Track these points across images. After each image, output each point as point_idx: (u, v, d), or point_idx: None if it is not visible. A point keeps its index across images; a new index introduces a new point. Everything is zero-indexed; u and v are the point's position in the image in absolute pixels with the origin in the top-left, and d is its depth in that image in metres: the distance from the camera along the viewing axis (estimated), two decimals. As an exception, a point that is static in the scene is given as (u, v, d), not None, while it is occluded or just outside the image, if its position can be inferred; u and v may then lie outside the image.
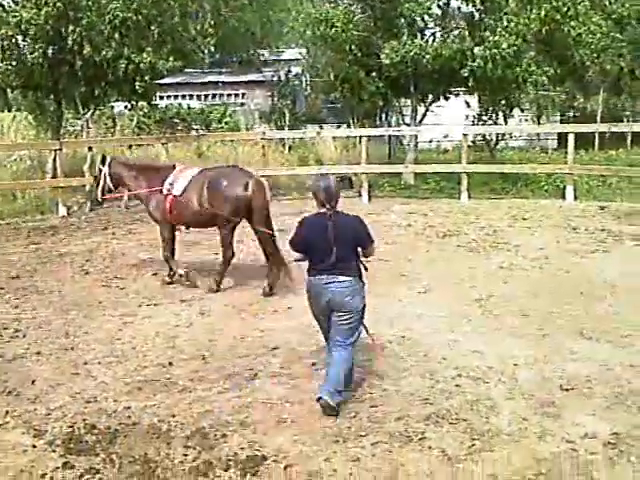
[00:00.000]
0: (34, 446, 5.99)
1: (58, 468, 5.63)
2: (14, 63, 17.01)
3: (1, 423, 6.42)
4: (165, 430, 6.22)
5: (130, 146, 18.53)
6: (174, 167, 10.89)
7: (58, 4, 16.28)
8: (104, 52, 16.88)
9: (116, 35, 16.96)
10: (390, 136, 23.08)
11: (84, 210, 17.13)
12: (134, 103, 19.97)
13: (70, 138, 21.01)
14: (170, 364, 7.67)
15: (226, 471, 5.55)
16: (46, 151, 19.18)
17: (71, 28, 16.60)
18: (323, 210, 6.55)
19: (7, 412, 6.61)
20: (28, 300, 10.16)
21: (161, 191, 10.55)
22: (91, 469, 5.61)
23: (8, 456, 5.83)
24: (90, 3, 16.71)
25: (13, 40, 16.86)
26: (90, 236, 14.49)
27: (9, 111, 27.85)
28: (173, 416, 6.46)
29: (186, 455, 5.79)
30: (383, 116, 24.22)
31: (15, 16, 16.52)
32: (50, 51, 16.70)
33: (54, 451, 5.90)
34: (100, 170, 11.11)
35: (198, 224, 10.79)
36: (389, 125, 23.58)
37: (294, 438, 6.01)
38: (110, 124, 24.74)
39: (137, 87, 17.66)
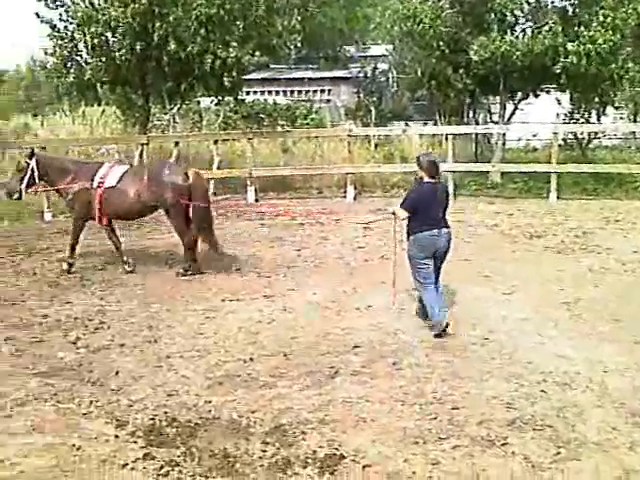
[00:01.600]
0: (116, 436, 6.06)
1: (139, 459, 5.68)
2: (103, 59, 17.36)
3: (85, 412, 6.52)
4: (245, 425, 6.21)
5: (216, 141, 18.65)
6: (101, 164, 11.71)
7: (144, 1, 16.57)
8: (190, 47, 17.08)
9: (202, 30, 17.14)
10: (477, 134, 22.68)
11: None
12: (221, 98, 20.16)
13: (157, 132, 21.35)
14: (251, 360, 7.67)
15: (304, 469, 5.50)
16: (133, 145, 19.54)
17: (157, 24, 16.88)
18: (430, 180, 8.39)
19: (91, 402, 6.72)
20: (113, 292, 10.32)
21: (91, 185, 11.13)
22: (171, 461, 5.64)
23: (91, 445, 5.91)
24: (176, -1, 16.95)
25: (102, 37, 17.22)
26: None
27: (98, 105, 28.50)
28: (253, 412, 6.45)
29: (265, 451, 5.77)
30: (470, 114, 23.82)
31: (104, 14, 16.89)
32: (137, 47, 16.97)
33: (135, 442, 5.96)
34: (27, 164, 11.31)
35: (129, 215, 11.69)
36: (476, 123, 23.17)
37: (373, 438, 5.93)
38: (196, 119, 24.99)
39: (224, 82, 17.80)
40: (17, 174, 11.42)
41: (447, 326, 8.19)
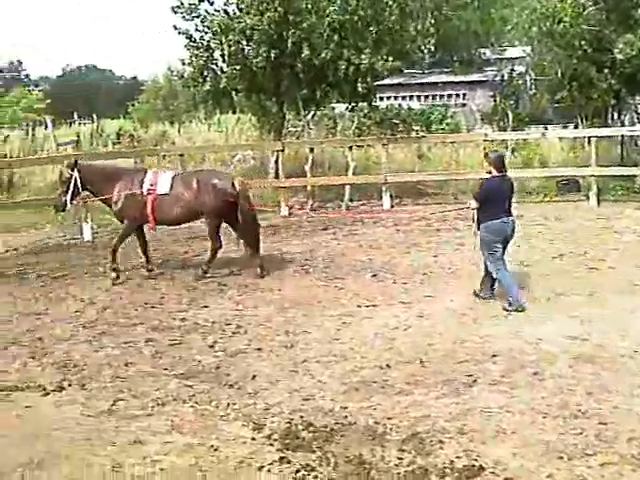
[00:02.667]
0: (253, 439, 6.09)
1: (275, 462, 5.68)
2: (239, 67, 17.68)
3: (223, 415, 6.59)
4: (381, 432, 6.12)
5: (351, 147, 18.66)
6: (145, 171, 11.90)
7: (280, 9, 16.82)
8: (323, 54, 17.17)
9: (335, 37, 17.23)
10: (623, 136, 21.73)
11: (305, 209, 17.48)
12: (355, 104, 20.18)
13: (291, 139, 21.61)
14: (388, 366, 7.56)
15: (442, 479, 5.36)
16: (269, 151, 19.81)
17: (292, 32, 17.06)
18: (498, 174, 9.47)
19: (228, 404, 6.79)
20: (250, 297, 10.43)
21: (141, 193, 11.33)
22: (307, 465, 5.61)
23: (229, 446, 5.97)
24: (310, 6, 17.08)
25: (238, 46, 17.55)
26: (311, 235, 14.73)
27: (233, 113, 29.17)
28: (389, 419, 6.35)
29: (401, 459, 5.65)
30: (615, 115, 22.88)
31: (240, 22, 17.22)
32: (272, 55, 17.21)
33: (272, 445, 5.97)
34: (70, 175, 11.33)
35: (177, 221, 11.89)
36: (622, 124, 22.23)
37: (514, 450, 5.71)
38: (331, 125, 25.16)
39: (357, 88, 17.80)
40: (61, 185, 11.54)
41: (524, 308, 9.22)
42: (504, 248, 9.62)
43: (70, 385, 7.35)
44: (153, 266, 11.93)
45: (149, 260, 11.90)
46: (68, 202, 11.49)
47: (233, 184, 11.50)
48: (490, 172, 9.56)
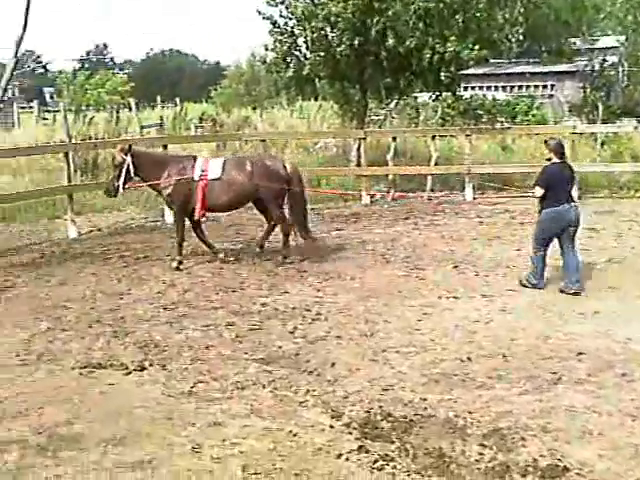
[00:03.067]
0: (331, 426, 6.07)
1: (354, 450, 5.64)
2: (322, 54, 17.63)
3: (301, 401, 6.58)
4: (461, 426, 6.02)
5: (433, 137, 18.40)
6: (195, 157, 11.75)
7: (364, -4, 16.68)
8: (408, 42, 16.98)
9: (420, 25, 17.00)
10: None
11: (386, 199, 17.38)
12: (438, 94, 19.94)
13: (374, 127, 21.46)
14: (469, 359, 7.44)
15: (524, 477, 5.25)
16: (350, 139, 19.75)
17: (376, 19, 16.92)
18: (559, 160, 9.78)
19: (307, 391, 6.78)
20: (330, 285, 10.38)
21: (192, 179, 11.25)
22: (386, 456, 5.56)
23: (307, 432, 5.96)
24: (395, -7, 16.91)
25: (322, 32, 17.50)
26: (392, 225, 14.60)
27: (315, 100, 29.18)
28: (470, 412, 6.24)
29: (482, 454, 5.56)
30: None
31: (324, 9, 17.16)
32: (356, 42, 17.10)
33: (350, 433, 5.94)
34: (123, 160, 11.18)
35: (230, 206, 11.93)
36: None
37: (600, 452, 5.54)
38: (413, 114, 24.89)
39: (442, 77, 17.58)
40: (114, 169, 11.44)
41: (580, 292, 9.61)
42: (573, 236, 9.78)
43: (151, 365, 7.45)
44: (220, 251, 11.90)
45: (212, 246, 11.87)
46: (120, 187, 11.34)
47: (285, 166, 11.69)
48: (550, 159, 9.90)
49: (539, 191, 9.69)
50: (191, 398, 6.66)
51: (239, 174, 11.34)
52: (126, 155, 11.17)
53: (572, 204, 9.71)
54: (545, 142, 10.27)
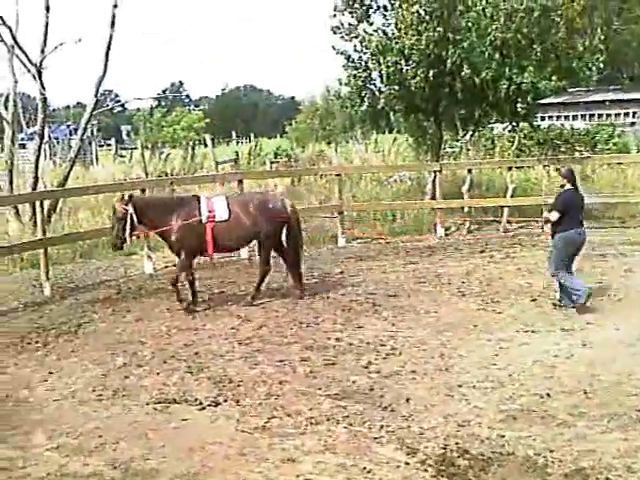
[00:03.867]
0: (407, 463, 5.98)
1: (430, 488, 5.51)
2: (397, 87, 17.63)
3: (376, 437, 6.50)
4: (541, 465, 5.87)
5: (510, 168, 18.17)
6: (198, 198, 11.49)
7: (439, 29, 16.66)
8: (484, 73, 16.85)
9: (496, 55, 16.83)
10: None
11: (462, 232, 17.20)
12: (515, 124, 19.71)
13: (449, 160, 21.30)
14: (548, 395, 7.24)
15: (608, 519, 5.03)
16: (425, 172, 19.64)
17: (451, 51, 16.86)
18: (571, 187, 10.48)
19: (382, 426, 6.69)
20: (404, 319, 10.28)
21: (200, 221, 11.04)
22: (463, 495, 5.42)
23: (382, 469, 5.88)
24: (470, 25, 16.81)
25: (397, 66, 17.51)
26: (467, 258, 14.39)
27: (390, 133, 29.18)
28: (550, 451, 6.07)
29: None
30: None
31: (398, 42, 17.18)
32: (431, 74, 17.04)
33: (426, 470, 5.85)
34: (125, 211, 10.78)
35: (236, 247, 12.20)
36: None
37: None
38: (489, 146, 24.69)
39: (518, 108, 17.35)
40: (117, 222, 10.87)
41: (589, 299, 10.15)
42: (574, 257, 10.56)
43: (225, 400, 7.46)
44: (195, 304, 11.33)
45: (180, 297, 11.24)
46: (127, 239, 10.96)
47: (285, 205, 11.66)
48: (563, 186, 10.65)
49: (555, 215, 10.34)
50: (265, 434, 6.64)
51: (244, 215, 11.23)
52: (127, 205, 10.82)
53: (583, 229, 10.49)
54: (557, 170, 11.29)
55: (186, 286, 11.38)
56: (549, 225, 10.64)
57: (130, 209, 10.78)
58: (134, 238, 11.34)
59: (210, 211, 11.08)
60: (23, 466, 6.17)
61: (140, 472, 5.97)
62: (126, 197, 10.95)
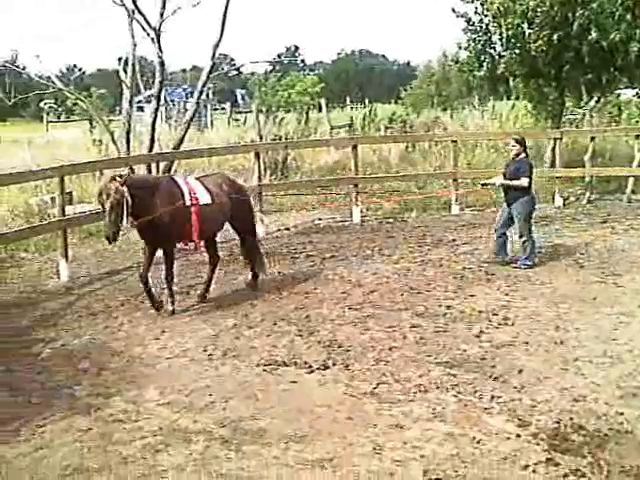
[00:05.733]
0: (518, 435, 5.83)
1: (541, 462, 5.40)
2: (518, 52, 17.16)
3: (486, 407, 6.36)
4: (662, 444, 5.57)
5: (637, 136, 17.29)
6: (173, 179, 10.15)
7: (565, -11, 16.06)
8: (613, 35, 16.12)
9: (627, 16, 16.07)
10: None
11: (581, 202, 16.61)
12: (645, 90, 18.86)
13: (570, 127, 20.57)
14: (671, 373, 6.90)
15: None
16: (544, 140, 19.03)
17: (578, 12, 16.20)
18: (525, 154, 11.36)
19: (492, 397, 6.55)
20: (518, 289, 10.01)
21: (184, 204, 9.54)
22: (577, 471, 5.28)
23: (492, 440, 5.76)
24: (601, -16, 16.13)
25: (518, 29, 16.99)
26: (586, 229, 13.87)
27: (508, 99, 28.44)
28: (673, 431, 5.76)
29: (685, 479, 5.10)
30: None
31: (521, 4, 16.64)
32: (555, 38, 16.47)
33: (538, 444, 5.69)
34: (122, 193, 8.81)
35: (215, 233, 10.45)
36: None
37: None
38: (615, 113, 23.66)
39: (651, 72, 16.58)
40: (112, 207, 8.77)
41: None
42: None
43: (334, 364, 7.45)
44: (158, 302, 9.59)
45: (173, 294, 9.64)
46: (125, 224, 9.05)
47: (244, 185, 11.44)
48: (518, 154, 11.29)
49: (526, 181, 11.05)
50: (373, 399, 6.60)
51: (222, 196, 10.04)
52: (122, 186, 8.89)
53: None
54: (515, 139, 11.47)
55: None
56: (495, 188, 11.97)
57: (125, 191, 8.88)
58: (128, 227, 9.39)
59: (192, 193, 9.68)
60: (136, 419, 6.33)
61: (249, 431, 6.02)
62: (120, 177, 9.09)
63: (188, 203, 9.56)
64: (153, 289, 9.51)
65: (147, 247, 9.62)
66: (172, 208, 9.32)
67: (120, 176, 9.13)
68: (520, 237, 11.21)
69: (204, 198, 9.75)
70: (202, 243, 10.19)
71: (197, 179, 10.21)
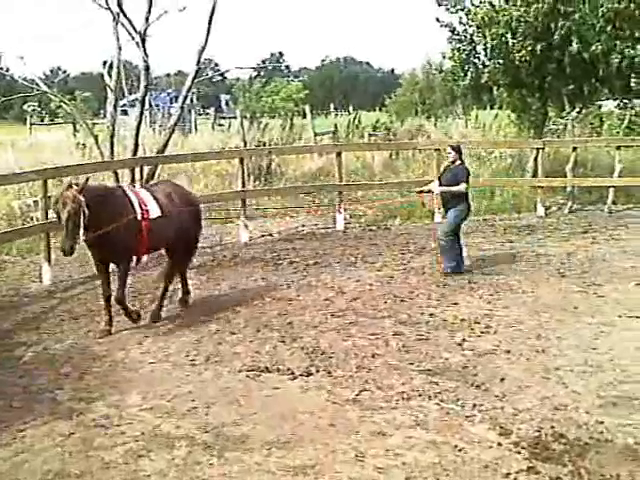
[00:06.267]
0: (499, 444, 5.84)
1: (523, 471, 5.42)
2: (502, 61, 17.28)
3: (468, 415, 6.38)
4: (641, 454, 5.61)
5: (619, 147, 17.45)
6: (121, 188, 9.47)
7: (548, 0, 16.12)
8: (594, 47, 16.26)
9: (608, 28, 16.24)
10: None
11: (563, 211, 16.72)
12: (626, 101, 18.99)
13: (552, 137, 20.73)
14: (650, 382, 6.96)
15: None
16: (527, 150, 19.16)
17: (560, 23, 16.35)
18: (461, 161, 11.39)
19: (474, 405, 6.57)
20: (500, 298, 10.04)
21: (135, 217, 8.83)
22: (557, 479, 5.31)
23: (474, 448, 5.77)
24: (582, -4, 16.29)
25: (502, 39, 17.11)
26: (568, 238, 13.96)
27: (491, 109, 28.60)
28: (651, 440, 5.80)
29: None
30: None
31: (505, 15, 16.76)
32: (538, 48, 16.59)
33: (519, 452, 5.70)
34: (79, 204, 8.12)
35: (162, 247, 9.77)
36: None
37: None
38: (596, 124, 23.86)
39: (631, 83, 16.70)
40: (69, 218, 8.10)
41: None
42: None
43: (317, 371, 7.45)
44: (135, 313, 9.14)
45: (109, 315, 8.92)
46: (81, 237, 8.24)
47: (195, 196, 10.77)
48: (454, 161, 11.34)
49: (464, 186, 11.12)
50: (355, 406, 6.61)
51: (172, 208, 9.34)
52: (80, 194, 8.18)
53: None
54: (451, 147, 11.54)
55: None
56: (434, 195, 11.85)
57: (83, 204, 8.14)
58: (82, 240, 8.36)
59: (143, 205, 8.94)
60: (118, 424, 6.31)
61: (231, 437, 6.02)
62: (77, 185, 8.35)
63: (139, 216, 8.82)
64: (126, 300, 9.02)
65: (99, 265, 8.87)
66: (124, 221, 8.57)
67: (77, 184, 8.36)
68: (441, 238, 11.34)
69: (154, 211, 9.01)
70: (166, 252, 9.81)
71: (146, 189, 9.55)
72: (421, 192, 12.26)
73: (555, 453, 5.67)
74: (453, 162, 11.38)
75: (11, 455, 5.80)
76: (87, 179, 8.51)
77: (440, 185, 11.41)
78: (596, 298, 9.94)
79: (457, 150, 11.40)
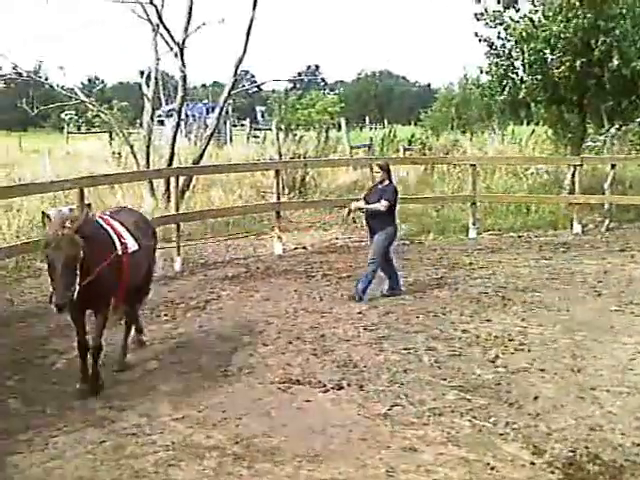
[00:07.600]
0: (532, 463, 5.77)
1: (556, 492, 5.30)
2: (540, 77, 17.12)
3: (501, 433, 6.31)
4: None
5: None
6: (96, 221, 7.69)
7: (589, 15, 16.01)
8: (635, 63, 16.08)
9: (650, 45, 16.06)
10: None
11: (600, 229, 16.52)
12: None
13: (590, 154, 20.55)
14: (689, 404, 6.82)
15: None
16: (564, 166, 18.98)
17: (601, 39, 16.18)
18: (390, 181, 10.86)
19: (507, 423, 6.49)
20: (535, 315, 9.93)
21: (117, 253, 7.44)
22: (591, 501, 5.20)
23: (506, 467, 5.70)
24: (624, 12, 16.07)
25: (541, 54, 16.99)
26: (605, 256, 13.77)
27: (528, 125, 28.41)
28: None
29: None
30: None
31: (544, 30, 16.63)
32: (577, 64, 16.43)
33: (552, 472, 5.62)
34: (78, 247, 6.66)
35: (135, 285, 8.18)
36: None
37: None
38: (636, 141, 23.54)
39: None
40: (63, 272, 6.53)
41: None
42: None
43: (349, 385, 7.41)
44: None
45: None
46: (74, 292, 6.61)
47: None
48: (383, 181, 10.80)
49: (385, 204, 10.45)
50: (387, 421, 6.56)
51: (147, 240, 8.25)
52: (76, 235, 6.70)
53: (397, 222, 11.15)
54: (379, 166, 11.00)
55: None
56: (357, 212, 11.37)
57: (82, 243, 6.71)
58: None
59: (121, 239, 7.60)
60: (149, 433, 6.33)
61: (262, 449, 6.00)
62: (72, 223, 6.76)
63: (120, 252, 7.48)
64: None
65: (74, 312, 7.15)
66: (109, 261, 7.16)
67: (72, 221, 6.82)
68: (370, 263, 10.74)
69: (131, 243, 7.70)
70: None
71: (112, 218, 7.87)
72: (350, 212, 11.44)
73: (590, 475, 5.58)
74: (381, 182, 10.83)
75: (43, 461, 5.84)
76: (85, 212, 7.72)
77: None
78: (633, 317, 9.78)
79: (385, 169, 10.83)
